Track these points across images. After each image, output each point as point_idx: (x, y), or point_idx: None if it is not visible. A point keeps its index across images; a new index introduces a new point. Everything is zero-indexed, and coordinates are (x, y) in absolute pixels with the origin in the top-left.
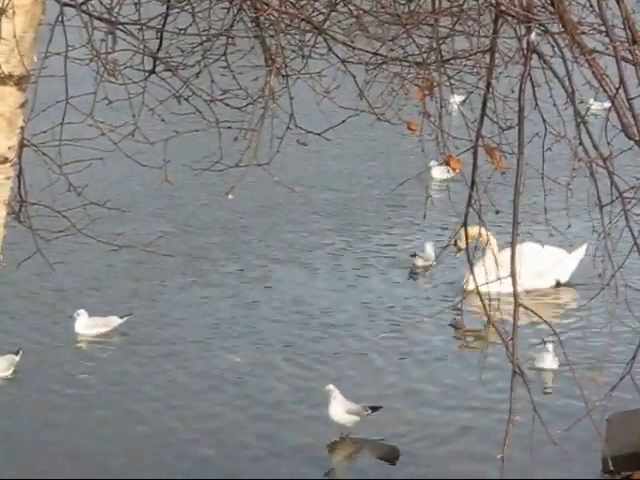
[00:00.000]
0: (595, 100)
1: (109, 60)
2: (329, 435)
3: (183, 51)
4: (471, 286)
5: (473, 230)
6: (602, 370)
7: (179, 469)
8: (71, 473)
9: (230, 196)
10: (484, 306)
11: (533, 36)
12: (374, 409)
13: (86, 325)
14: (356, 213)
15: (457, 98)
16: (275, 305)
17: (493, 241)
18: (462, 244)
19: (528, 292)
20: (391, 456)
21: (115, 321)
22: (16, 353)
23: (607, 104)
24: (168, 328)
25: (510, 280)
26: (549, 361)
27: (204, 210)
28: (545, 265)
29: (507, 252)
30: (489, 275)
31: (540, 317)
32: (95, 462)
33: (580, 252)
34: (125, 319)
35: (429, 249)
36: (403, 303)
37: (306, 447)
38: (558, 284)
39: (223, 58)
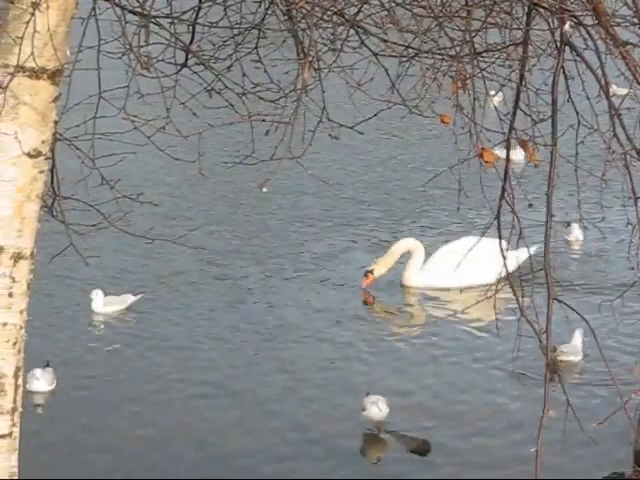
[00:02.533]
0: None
1: (142, 53)
2: (359, 428)
3: (215, 44)
4: (407, 282)
5: (405, 244)
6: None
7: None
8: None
9: (264, 189)
10: (517, 299)
11: (567, 27)
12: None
13: (103, 304)
14: (393, 205)
15: (496, 99)
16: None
17: (421, 249)
18: (378, 272)
19: (471, 288)
20: (422, 449)
21: (130, 298)
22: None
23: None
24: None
25: (450, 274)
26: (574, 353)
27: (236, 203)
28: (488, 260)
29: (449, 248)
30: (444, 271)
31: (575, 311)
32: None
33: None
34: (139, 296)
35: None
36: (436, 293)
37: (335, 440)
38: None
39: (255, 51)
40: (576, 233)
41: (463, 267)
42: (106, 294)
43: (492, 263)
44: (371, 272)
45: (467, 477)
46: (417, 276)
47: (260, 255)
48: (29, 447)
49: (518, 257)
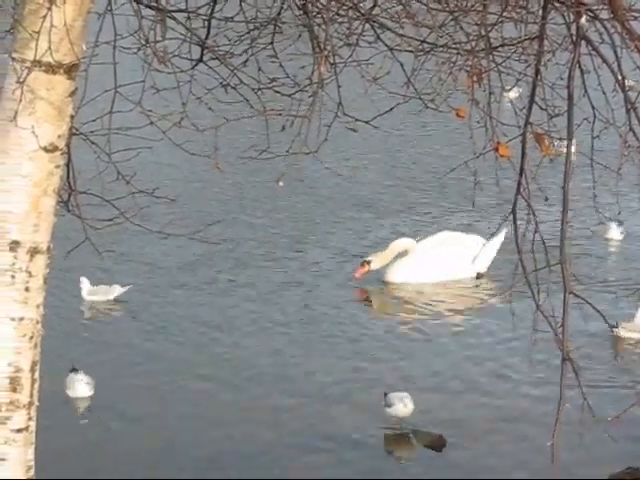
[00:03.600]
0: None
1: (159, 48)
2: (375, 423)
3: (230, 40)
4: (389, 278)
5: (403, 243)
6: None
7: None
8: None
9: (281, 183)
10: (532, 293)
11: (583, 21)
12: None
13: (89, 292)
14: (408, 199)
15: (511, 93)
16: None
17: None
18: (375, 265)
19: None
20: (438, 444)
21: (117, 289)
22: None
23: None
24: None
25: (429, 269)
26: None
27: (252, 197)
28: (465, 254)
29: (427, 242)
30: (423, 266)
31: (591, 305)
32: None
33: (498, 239)
34: (127, 288)
35: None
36: (456, 287)
37: (353, 435)
38: (479, 275)
39: (270, 46)
40: (613, 232)
41: (441, 262)
42: (95, 284)
43: (469, 258)
44: (368, 263)
45: (482, 474)
46: (396, 272)
47: (276, 248)
48: None
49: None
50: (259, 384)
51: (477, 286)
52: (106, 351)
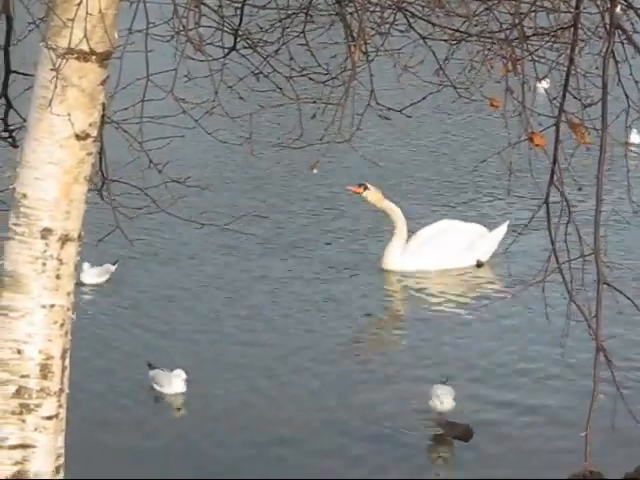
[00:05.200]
0: None
1: (192, 36)
2: (402, 413)
3: (262, 28)
4: (387, 265)
5: (376, 195)
6: None
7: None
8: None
9: (315, 171)
10: (565, 283)
11: (617, 9)
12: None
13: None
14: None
15: (544, 83)
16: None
17: (404, 225)
18: (368, 195)
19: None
20: (465, 435)
21: (110, 268)
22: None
23: None
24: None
25: (429, 257)
26: None
27: (286, 186)
28: (466, 243)
29: (427, 231)
30: (424, 254)
31: (624, 295)
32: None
33: (501, 230)
34: (116, 265)
35: None
36: (478, 280)
37: (377, 425)
38: (479, 263)
39: (302, 35)
40: None
41: (441, 250)
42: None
43: (469, 246)
44: (365, 188)
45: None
46: (396, 260)
47: (309, 236)
48: None
49: (497, 236)
50: (294, 371)
51: (478, 276)
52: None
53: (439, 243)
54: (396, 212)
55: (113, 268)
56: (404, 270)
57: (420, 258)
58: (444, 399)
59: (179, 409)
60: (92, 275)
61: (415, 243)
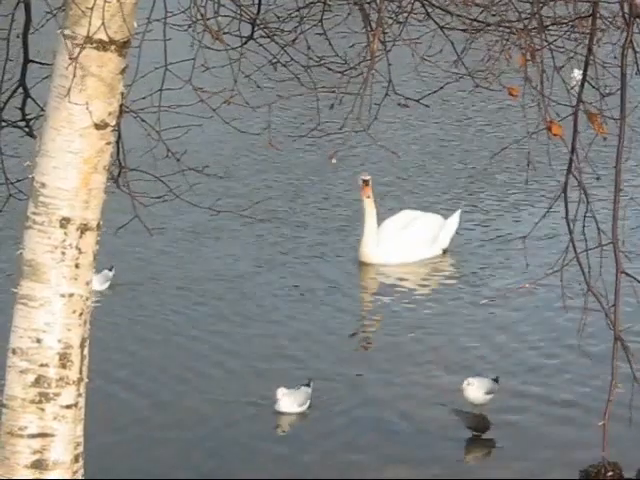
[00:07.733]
0: None
1: (211, 25)
2: (420, 407)
3: (279, 17)
4: (366, 258)
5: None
6: None
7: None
8: None
9: (334, 160)
10: (583, 274)
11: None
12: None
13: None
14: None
15: (576, 72)
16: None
17: (373, 210)
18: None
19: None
20: (481, 426)
21: (109, 275)
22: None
23: None
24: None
25: (406, 250)
26: None
27: (302, 175)
28: (434, 233)
29: (392, 222)
30: (405, 245)
31: None
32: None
33: (455, 218)
34: (113, 271)
35: None
36: (496, 272)
37: (394, 418)
38: (444, 251)
39: (319, 24)
40: None
41: (409, 242)
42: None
43: (435, 236)
44: (367, 183)
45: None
46: (374, 253)
47: (327, 224)
48: None
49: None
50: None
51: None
52: None
53: (409, 234)
54: (372, 212)
55: (111, 274)
56: (384, 263)
57: (394, 251)
58: (469, 389)
59: None
60: (95, 283)
61: (387, 235)
